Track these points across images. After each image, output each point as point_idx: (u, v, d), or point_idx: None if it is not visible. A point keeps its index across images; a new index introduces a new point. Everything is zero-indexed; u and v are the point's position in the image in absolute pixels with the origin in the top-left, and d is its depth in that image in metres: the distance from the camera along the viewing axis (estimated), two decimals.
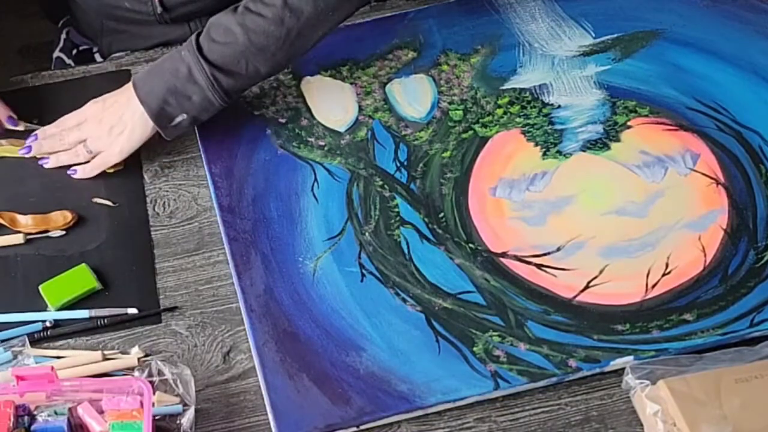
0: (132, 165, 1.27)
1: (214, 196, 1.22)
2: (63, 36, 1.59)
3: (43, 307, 1.16)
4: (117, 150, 1.26)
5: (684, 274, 1.13)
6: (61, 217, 1.22)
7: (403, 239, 1.18)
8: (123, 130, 1.25)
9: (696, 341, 1.07)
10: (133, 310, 1.13)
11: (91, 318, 1.13)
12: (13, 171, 1.28)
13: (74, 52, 1.57)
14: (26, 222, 1.22)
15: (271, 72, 1.24)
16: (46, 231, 1.22)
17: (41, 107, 1.34)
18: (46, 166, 1.28)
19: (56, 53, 1.59)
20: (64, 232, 1.21)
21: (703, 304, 1.10)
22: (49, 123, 1.30)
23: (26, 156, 1.28)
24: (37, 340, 1.12)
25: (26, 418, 1.02)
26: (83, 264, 1.17)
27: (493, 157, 1.25)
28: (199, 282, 1.17)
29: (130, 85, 1.25)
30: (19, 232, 1.22)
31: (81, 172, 1.27)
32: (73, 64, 1.55)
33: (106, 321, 1.13)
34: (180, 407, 1.06)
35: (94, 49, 1.55)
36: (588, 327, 1.10)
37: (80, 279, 1.16)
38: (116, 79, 1.35)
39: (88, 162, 1.27)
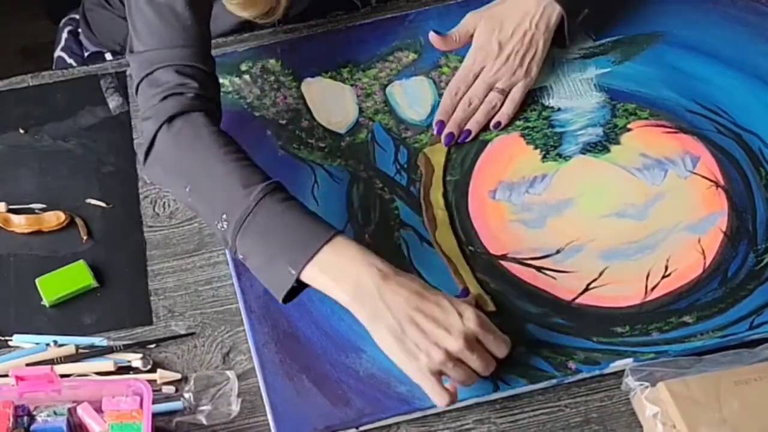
0: (126, 166, 1.27)
1: None
2: (64, 35, 1.59)
3: (36, 306, 1.16)
4: (533, 73, 1.27)
5: (684, 277, 1.13)
6: (55, 218, 1.22)
7: (402, 241, 1.18)
8: (531, 50, 1.26)
9: (695, 344, 1.08)
10: (138, 363, 1.11)
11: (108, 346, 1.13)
12: (6, 171, 1.28)
13: (86, 54, 1.56)
14: (20, 222, 1.22)
15: None
16: (40, 231, 1.22)
17: (41, 107, 1.34)
18: (468, 140, 1.25)
19: (57, 52, 1.59)
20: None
21: (702, 307, 1.10)
22: (49, 123, 1.30)
23: (449, 144, 1.25)
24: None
25: (26, 418, 1.02)
26: (81, 261, 1.18)
27: (493, 160, 1.25)
28: (199, 282, 1.17)
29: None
30: (13, 232, 1.22)
31: (505, 117, 1.26)
32: (74, 64, 1.55)
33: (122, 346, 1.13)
34: (180, 404, 1.07)
35: (106, 53, 1.54)
36: (588, 329, 1.10)
37: (77, 275, 1.17)
38: (119, 79, 1.35)
39: (501, 104, 1.27)
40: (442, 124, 1.26)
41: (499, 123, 1.26)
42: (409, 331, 1.01)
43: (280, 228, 1.06)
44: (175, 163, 1.13)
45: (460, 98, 1.28)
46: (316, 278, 1.04)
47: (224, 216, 1.08)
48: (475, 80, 1.28)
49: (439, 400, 1.02)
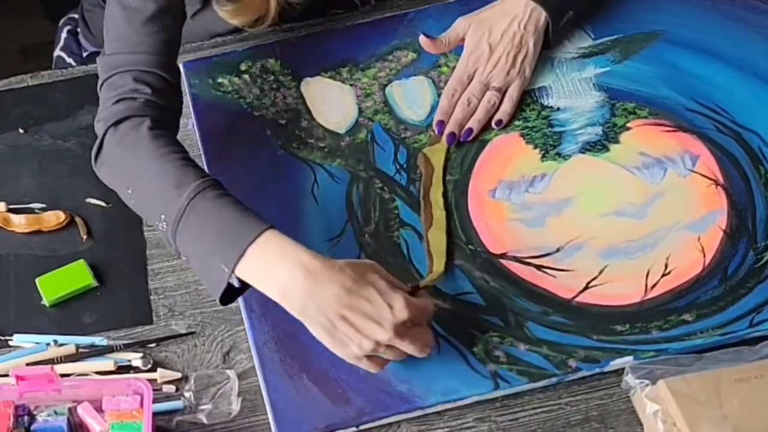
0: None
1: None
2: (63, 35, 1.59)
3: (36, 306, 1.16)
4: (527, 72, 1.29)
5: (683, 275, 1.13)
6: (55, 218, 1.22)
7: (402, 241, 1.18)
8: (522, 51, 1.28)
9: (695, 342, 1.08)
10: (138, 362, 1.11)
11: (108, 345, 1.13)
12: (6, 171, 1.28)
13: (85, 54, 1.57)
14: (20, 222, 1.22)
15: None
16: (40, 231, 1.22)
17: (41, 107, 1.34)
18: (470, 138, 1.26)
19: (57, 52, 1.59)
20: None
21: (702, 305, 1.11)
22: (49, 122, 1.30)
23: (451, 143, 1.26)
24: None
25: (26, 418, 1.02)
26: (81, 260, 1.18)
27: (493, 159, 1.25)
28: (199, 282, 1.17)
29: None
30: (13, 231, 1.22)
31: (505, 115, 1.27)
32: (74, 64, 1.55)
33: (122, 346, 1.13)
34: (180, 404, 1.07)
35: None
36: (588, 327, 1.10)
37: (77, 275, 1.17)
38: None
39: (499, 103, 1.28)
40: (442, 124, 1.27)
41: (500, 121, 1.27)
42: (340, 326, 1.02)
43: (211, 226, 1.06)
44: (119, 165, 1.14)
45: (458, 99, 1.28)
46: (248, 276, 1.05)
47: (162, 217, 1.09)
48: (470, 81, 1.29)
49: (374, 370, 1.05)
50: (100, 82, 1.19)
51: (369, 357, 1.03)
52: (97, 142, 1.15)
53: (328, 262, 1.03)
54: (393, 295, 1.03)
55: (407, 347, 1.03)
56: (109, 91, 1.17)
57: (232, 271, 1.04)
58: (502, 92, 1.29)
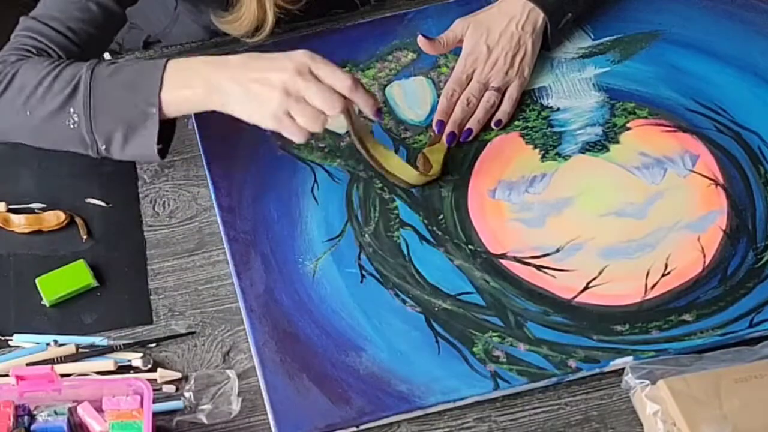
0: (126, 166, 1.27)
1: (214, 196, 1.22)
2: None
3: (35, 306, 1.16)
4: (525, 73, 1.29)
5: (683, 275, 1.13)
6: (55, 218, 1.22)
7: (402, 241, 1.18)
8: (520, 51, 1.28)
9: (695, 342, 1.08)
10: (138, 362, 1.11)
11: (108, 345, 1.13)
12: (6, 170, 1.28)
13: None
14: (20, 222, 1.22)
15: None
16: (40, 231, 1.22)
17: None
18: (470, 138, 1.26)
19: None
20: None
21: (702, 305, 1.11)
22: None
23: (451, 143, 1.25)
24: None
25: (26, 418, 1.02)
26: (81, 260, 1.18)
27: (493, 159, 1.25)
28: (199, 282, 1.17)
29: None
30: (13, 231, 1.22)
31: (505, 115, 1.28)
32: None
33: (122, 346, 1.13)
34: (181, 404, 1.07)
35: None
36: (587, 327, 1.10)
37: (77, 275, 1.17)
38: None
39: (499, 103, 1.29)
40: (441, 124, 1.27)
41: (500, 121, 1.27)
42: (250, 86, 1.09)
43: (120, 85, 1.13)
44: (4, 104, 1.16)
45: (457, 99, 1.28)
46: (173, 101, 1.12)
47: (72, 110, 1.12)
48: (469, 82, 1.29)
49: (297, 137, 1.11)
50: (14, 34, 1.22)
51: (287, 118, 1.09)
52: None
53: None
54: (291, 52, 1.10)
55: (314, 95, 1.08)
56: (9, 45, 1.20)
57: (160, 107, 1.11)
58: (501, 92, 1.29)
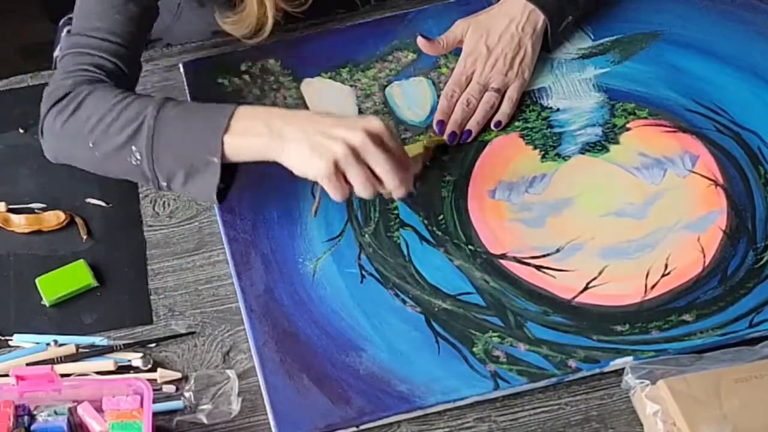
0: None
1: None
2: (63, 35, 1.59)
3: (35, 306, 1.16)
4: (525, 74, 1.29)
5: (683, 275, 1.13)
6: (55, 218, 1.22)
7: (402, 241, 1.18)
8: (520, 53, 1.28)
9: (695, 342, 1.08)
10: (138, 362, 1.11)
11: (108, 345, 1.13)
12: (6, 170, 1.28)
13: None
14: (19, 222, 1.22)
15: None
16: (40, 231, 1.22)
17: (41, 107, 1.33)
18: (469, 139, 1.26)
19: (57, 52, 1.59)
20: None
21: (702, 305, 1.11)
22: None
23: (452, 142, 1.26)
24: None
25: (26, 418, 1.02)
26: (81, 260, 1.18)
27: (492, 160, 1.25)
28: (199, 282, 1.17)
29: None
30: (13, 231, 1.22)
31: (504, 116, 1.27)
32: None
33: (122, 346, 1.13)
34: (181, 404, 1.07)
35: None
36: (587, 328, 1.10)
37: (77, 275, 1.17)
38: None
39: (498, 104, 1.28)
40: (442, 124, 1.27)
41: (499, 122, 1.27)
42: (311, 133, 1.07)
43: (184, 130, 1.11)
44: (70, 130, 1.15)
45: (457, 100, 1.28)
46: (236, 146, 1.09)
47: (134, 149, 1.11)
48: (468, 83, 1.29)
49: (338, 197, 1.09)
50: (60, 56, 1.20)
51: (337, 175, 1.07)
52: (42, 113, 1.17)
53: None
54: (367, 115, 1.10)
55: (377, 160, 1.06)
56: (63, 66, 1.19)
57: (222, 155, 1.08)
58: (501, 93, 1.29)
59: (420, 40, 1.31)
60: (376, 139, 1.07)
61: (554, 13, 1.30)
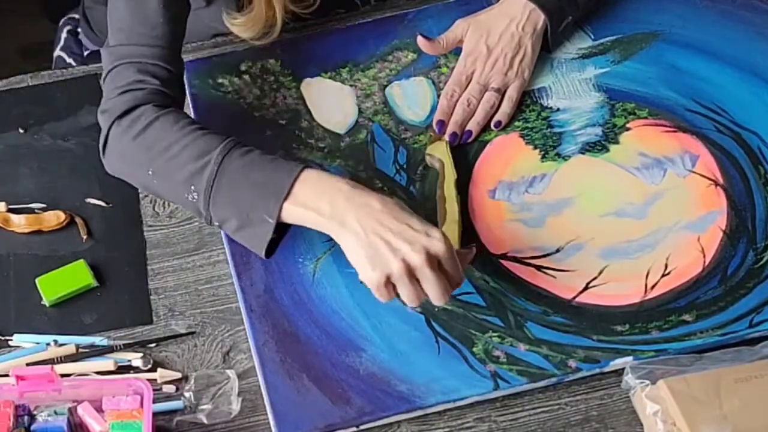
0: None
1: None
2: (63, 35, 1.59)
3: (35, 306, 1.16)
4: (525, 74, 1.29)
5: (683, 275, 1.13)
6: (55, 218, 1.22)
7: None
8: (519, 52, 1.28)
9: (695, 342, 1.08)
10: (138, 362, 1.11)
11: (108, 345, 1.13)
12: (6, 170, 1.28)
13: (86, 53, 1.57)
14: (19, 222, 1.22)
15: None
16: (40, 231, 1.22)
17: (41, 107, 1.34)
18: (470, 140, 1.26)
19: (57, 52, 1.59)
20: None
21: (702, 305, 1.11)
22: (49, 122, 1.31)
23: (453, 142, 1.25)
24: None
25: (26, 418, 1.02)
26: (81, 260, 1.18)
27: (492, 160, 1.25)
28: (199, 282, 1.17)
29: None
30: (13, 231, 1.22)
31: (504, 116, 1.27)
32: (74, 64, 1.55)
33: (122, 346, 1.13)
34: (181, 404, 1.07)
35: None
36: (587, 328, 1.10)
37: (77, 275, 1.17)
38: None
39: (498, 104, 1.28)
40: (442, 124, 1.27)
41: (499, 122, 1.27)
42: (372, 238, 1.04)
43: (246, 183, 1.09)
44: (132, 152, 1.15)
45: (457, 100, 1.28)
46: (293, 214, 1.08)
47: (192, 188, 1.10)
48: (468, 83, 1.29)
49: (383, 299, 1.05)
50: (104, 74, 1.19)
51: (387, 286, 1.04)
52: (103, 134, 1.16)
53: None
54: (433, 228, 1.05)
55: (431, 284, 1.03)
56: (113, 82, 1.17)
57: (278, 218, 1.07)
58: (501, 93, 1.29)
59: (420, 40, 1.31)
60: (434, 261, 1.03)
61: (554, 12, 1.30)
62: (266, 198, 1.08)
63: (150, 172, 1.13)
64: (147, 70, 1.17)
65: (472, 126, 1.27)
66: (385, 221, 1.05)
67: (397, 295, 1.06)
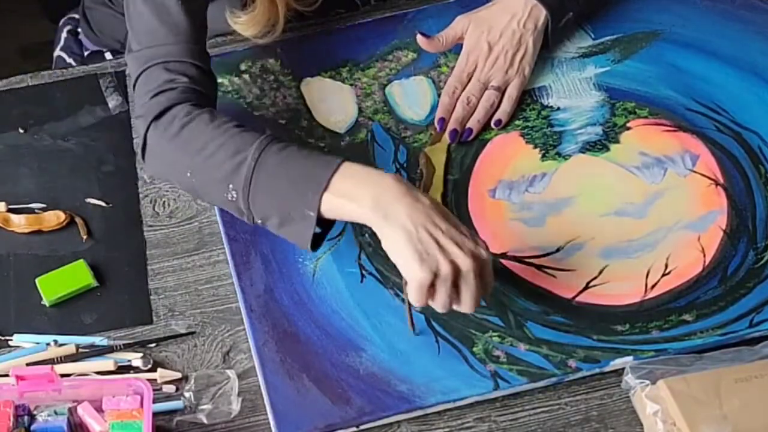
0: (126, 166, 1.27)
1: None
2: (63, 35, 1.59)
3: (35, 306, 1.16)
4: (526, 71, 1.29)
5: (683, 275, 1.13)
6: (55, 218, 1.22)
7: None
8: (521, 49, 1.28)
9: (695, 341, 1.08)
10: (138, 362, 1.11)
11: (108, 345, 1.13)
12: (6, 170, 1.28)
13: (86, 54, 1.57)
14: (20, 222, 1.22)
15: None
16: (40, 231, 1.22)
17: (41, 107, 1.34)
18: (470, 138, 1.26)
19: (57, 52, 1.59)
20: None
21: (702, 305, 1.11)
22: (49, 122, 1.31)
23: (453, 140, 1.25)
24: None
25: (26, 418, 1.02)
26: (81, 260, 1.18)
27: (493, 159, 1.25)
28: (199, 282, 1.17)
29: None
30: (13, 231, 1.22)
31: (504, 115, 1.27)
32: (74, 64, 1.55)
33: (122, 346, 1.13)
34: (181, 404, 1.07)
35: (106, 52, 1.54)
36: (587, 327, 1.10)
37: (77, 275, 1.17)
38: (119, 78, 1.35)
39: (499, 102, 1.28)
40: (442, 121, 1.27)
41: (499, 121, 1.27)
42: (423, 237, 1.02)
43: (284, 178, 1.08)
44: (170, 154, 1.14)
45: (458, 97, 1.28)
46: (334, 206, 1.05)
47: (231, 186, 1.09)
48: (469, 80, 1.29)
49: (419, 301, 1.03)
50: (133, 79, 1.19)
51: (430, 287, 1.02)
52: (141, 138, 1.16)
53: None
54: (477, 234, 1.05)
55: (469, 290, 1.03)
56: (145, 86, 1.17)
57: (318, 211, 1.05)
58: (501, 91, 1.29)
59: (419, 38, 1.31)
60: (478, 268, 1.02)
61: (555, 8, 1.30)
62: (305, 191, 1.06)
63: (189, 174, 1.13)
64: (176, 69, 1.17)
65: (473, 124, 1.27)
66: (436, 219, 1.03)
67: None
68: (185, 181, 1.14)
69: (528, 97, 1.31)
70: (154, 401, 1.03)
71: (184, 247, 1.20)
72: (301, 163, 1.08)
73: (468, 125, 1.27)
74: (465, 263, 1.01)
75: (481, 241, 1.05)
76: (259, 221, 1.10)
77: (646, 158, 1.23)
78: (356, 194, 1.05)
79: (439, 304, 1.04)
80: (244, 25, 1.28)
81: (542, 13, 1.29)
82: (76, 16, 1.60)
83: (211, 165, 1.11)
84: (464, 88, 1.29)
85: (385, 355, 1.09)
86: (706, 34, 1.33)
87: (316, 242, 1.09)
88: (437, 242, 1.02)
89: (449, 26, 1.31)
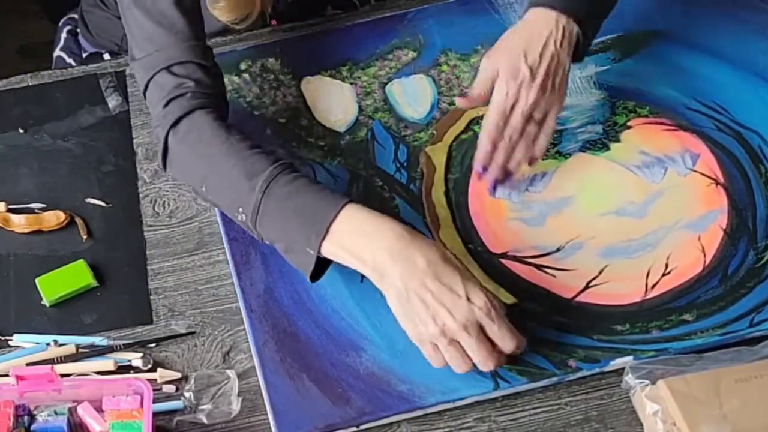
0: (126, 165, 1.27)
1: None
2: (63, 35, 1.59)
3: (35, 306, 1.16)
4: (563, 96, 1.19)
5: (684, 275, 1.13)
6: (55, 218, 1.22)
7: None
8: (559, 72, 1.17)
9: (695, 341, 1.08)
10: (138, 362, 1.11)
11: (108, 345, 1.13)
12: (6, 170, 1.28)
13: (84, 55, 1.57)
14: (20, 222, 1.22)
15: None
16: (40, 231, 1.22)
17: (41, 107, 1.34)
18: (516, 179, 1.20)
19: (57, 52, 1.59)
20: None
21: (702, 305, 1.11)
22: (49, 122, 1.31)
23: (493, 192, 1.20)
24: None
25: (26, 418, 1.02)
26: (81, 260, 1.18)
27: None
28: (199, 282, 1.17)
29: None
30: (13, 231, 1.22)
31: (541, 152, 1.19)
32: (74, 64, 1.55)
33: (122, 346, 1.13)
34: (181, 404, 1.07)
35: (104, 53, 1.54)
36: (588, 327, 1.10)
37: (77, 274, 1.17)
38: (118, 78, 1.35)
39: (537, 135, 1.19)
40: (484, 169, 1.20)
41: (534, 158, 1.20)
42: (413, 300, 1.02)
43: (290, 212, 1.08)
44: (187, 164, 1.15)
45: (500, 135, 1.18)
46: (334, 253, 1.06)
47: (240, 209, 1.10)
48: (511, 112, 1.18)
49: (433, 362, 1.04)
50: (142, 87, 1.19)
51: (432, 346, 1.03)
52: (161, 145, 1.16)
53: (419, 233, 1.06)
54: (476, 290, 1.03)
55: (473, 349, 1.02)
56: (156, 94, 1.17)
57: (318, 253, 1.06)
58: (540, 123, 1.20)
59: (458, 100, 1.23)
60: (474, 327, 1.01)
61: (587, 21, 1.20)
62: (307, 231, 1.06)
63: (203, 188, 1.14)
64: (181, 73, 1.17)
65: (512, 165, 1.19)
66: (427, 282, 1.02)
67: None
68: (201, 192, 1.15)
69: None
70: (154, 401, 1.03)
71: (184, 247, 1.20)
72: (306, 199, 1.08)
73: (509, 165, 1.20)
74: (452, 325, 1.01)
75: (484, 298, 1.02)
76: (268, 242, 1.11)
77: (646, 157, 1.23)
78: (355, 249, 1.05)
79: (450, 364, 1.04)
80: (223, 9, 1.27)
81: (574, 29, 1.19)
82: (76, 16, 1.60)
83: (223, 185, 1.12)
84: (506, 124, 1.18)
85: (385, 355, 1.09)
86: (707, 33, 1.33)
87: (320, 272, 1.09)
88: (426, 305, 1.02)
89: (479, 72, 1.20)
